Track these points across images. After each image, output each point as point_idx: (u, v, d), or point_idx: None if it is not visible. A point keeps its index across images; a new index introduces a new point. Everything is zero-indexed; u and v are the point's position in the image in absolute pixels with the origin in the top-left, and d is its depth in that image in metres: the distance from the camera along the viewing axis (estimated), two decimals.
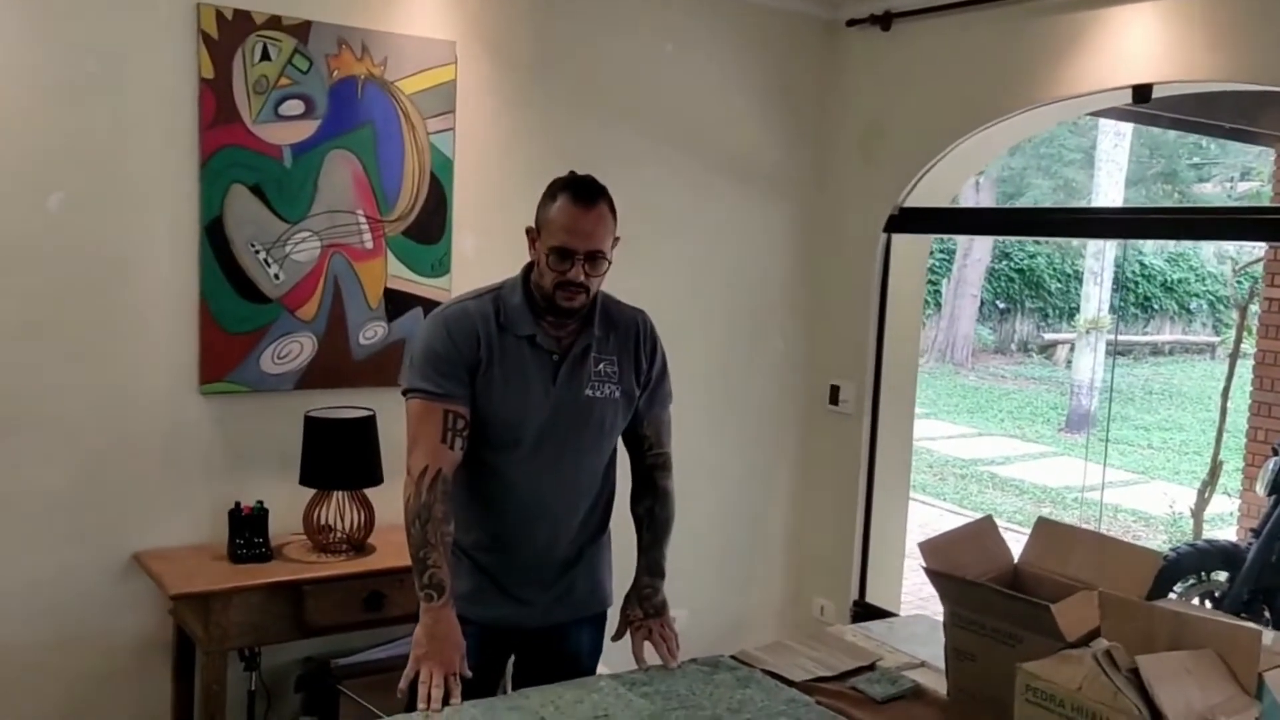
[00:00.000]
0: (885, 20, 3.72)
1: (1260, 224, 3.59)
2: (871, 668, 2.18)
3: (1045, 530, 2.16)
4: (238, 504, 2.86)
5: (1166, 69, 3.03)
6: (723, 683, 2.06)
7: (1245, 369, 6.94)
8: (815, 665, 2.17)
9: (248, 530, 2.83)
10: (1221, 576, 4.77)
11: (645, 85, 3.62)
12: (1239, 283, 10.71)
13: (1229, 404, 6.81)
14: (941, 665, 2.11)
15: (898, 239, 3.87)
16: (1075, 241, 13.38)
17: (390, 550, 2.87)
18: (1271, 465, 4.63)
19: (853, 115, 3.92)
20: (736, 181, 3.86)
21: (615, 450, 2.24)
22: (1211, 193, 14.46)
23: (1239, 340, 7.19)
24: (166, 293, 2.88)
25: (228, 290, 2.93)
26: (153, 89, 2.82)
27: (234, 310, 2.94)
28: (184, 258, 2.89)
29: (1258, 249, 7.80)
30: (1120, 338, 14.04)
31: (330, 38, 3.00)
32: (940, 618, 2.15)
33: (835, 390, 4.00)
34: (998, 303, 15.80)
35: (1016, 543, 2.17)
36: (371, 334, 3.16)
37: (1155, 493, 8.80)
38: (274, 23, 2.91)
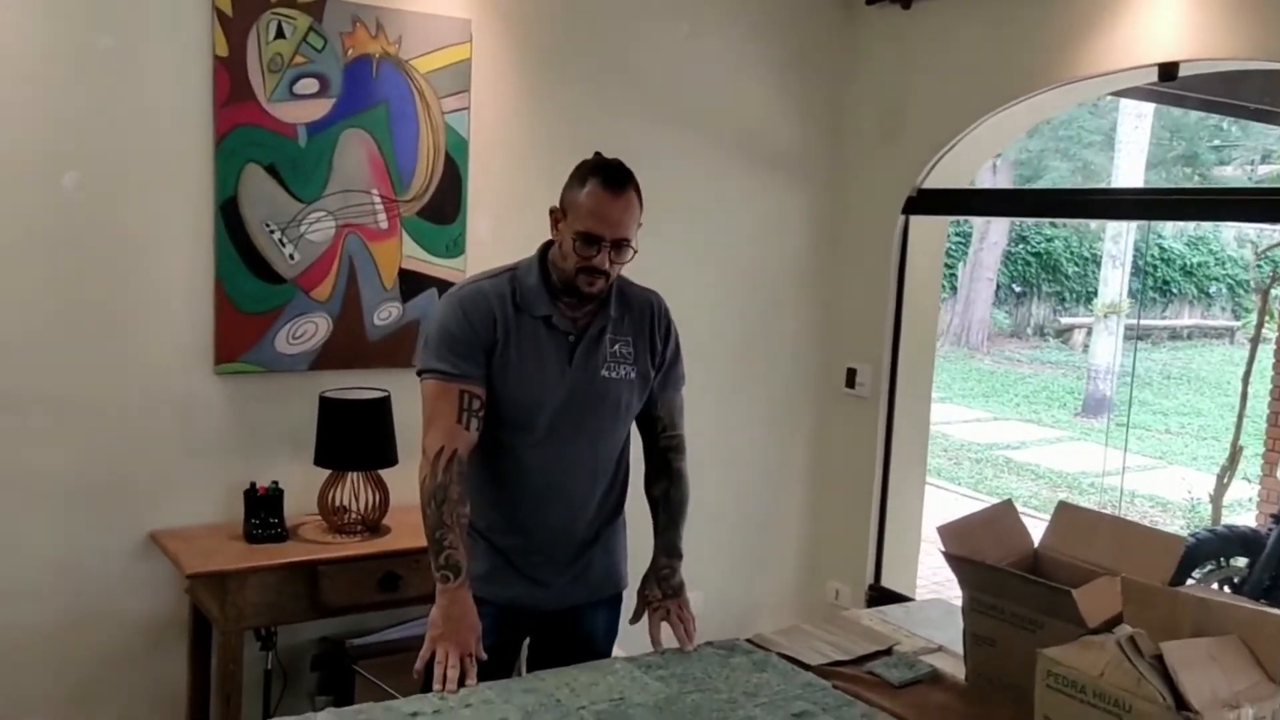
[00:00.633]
0: None
1: None
2: (888, 652, 2.17)
3: (1066, 515, 2.13)
4: (253, 484, 2.85)
5: (1194, 46, 2.97)
6: (739, 666, 2.05)
7: (1266, 353, 6.88)
8: (832, 649, 2.16)
9: (263, 510, 2.83)
10: (1241, 562, 4.73)
11: (661, 64, 3.59)
12: (1260, 266, 10.61)
13: (1249, 389, 6.75)
14: (959, 650, 2.09)
15: (916, 221, 3.83)
16: (1094, 224, 13.26)
17: (405, 531, 2.87)
18: None
19: (871, 95, 3.88)
20: (753, 162, 3.83)
21: (630, 432, 2.23)
22: (1232, 176, 14.30)
23: (1260, 324, 7.13)
24: (181, 272, 2.88)
25: (242, 270, 2.92)
26: (167, 66, 2.80)
27: (249, 290, 2.93)
28: (199, 237, 2.88)
29: (1279, 232, 7.71)
30: (1138, 322, 13.93)
31: (345, 15, 2.97)
32: (957, 603, 2.13)
33: (852, 373, 3.97)
34: (1014, 286, 15.69)
35: (1032, 528, 2.15)
36: (386, 315, 3.15)
37: (1173, 478, 8.75)
38: (288, 0, 2.89)
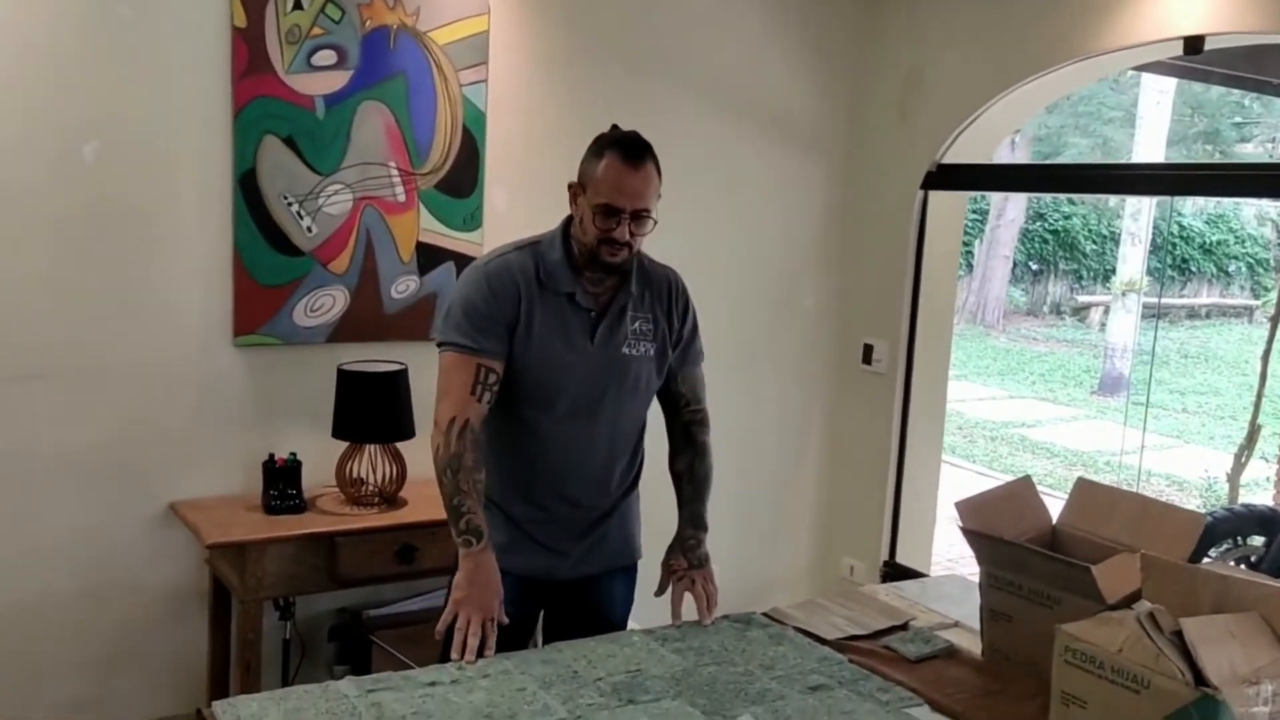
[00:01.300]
0: None
1: None
2: (905, 627, 2.17)
3: (1085, 491, 2.13)
4: (271, 456, 2.87)
5: (1220, 20, 2.93)
6: (755, 639, 2.05)
7: None
8: (848, 624, 2.17)
9: (281, 482, 2.85)
10: (1258, 541, 4.71)
11: (679, 38, 3.56)
12: None
13: (1268, 368, 6.69)
14: (975, 625, 2.09)
15: (934, 196, 3.81)
16: (1113, 202, 13.14)
17: (422, 503, 2.88)
18: None
19: (891, 70, 3.84)
20: (771, 136, 3.80)
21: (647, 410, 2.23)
22: (1253, 153, 14.13)
23: None
24: (200, 245, 2.89)
25: (261, 243, 2.93)
26: (185, 37, 2.80)
27: (267, 263, 2.94)
28: (217, 209, 2.89)
29: None
30: (1158, 301, 13.82)
31: None
32: (973, 578, 2.13)
33: (869, 349, 3.95)
34: (1031, 264, 15.57)
35: (1048, 506, 2.14)
36: (403, 288, 3.15)
37: (1190, 457, 8.71)
38: None
